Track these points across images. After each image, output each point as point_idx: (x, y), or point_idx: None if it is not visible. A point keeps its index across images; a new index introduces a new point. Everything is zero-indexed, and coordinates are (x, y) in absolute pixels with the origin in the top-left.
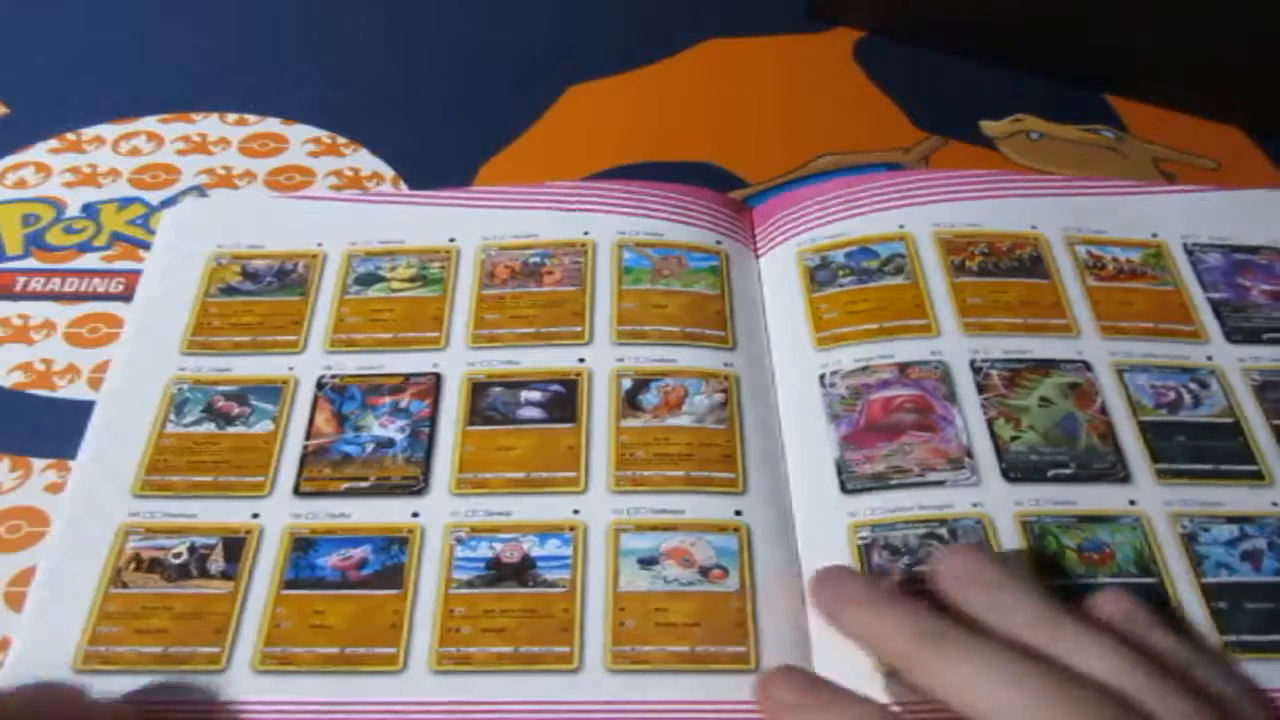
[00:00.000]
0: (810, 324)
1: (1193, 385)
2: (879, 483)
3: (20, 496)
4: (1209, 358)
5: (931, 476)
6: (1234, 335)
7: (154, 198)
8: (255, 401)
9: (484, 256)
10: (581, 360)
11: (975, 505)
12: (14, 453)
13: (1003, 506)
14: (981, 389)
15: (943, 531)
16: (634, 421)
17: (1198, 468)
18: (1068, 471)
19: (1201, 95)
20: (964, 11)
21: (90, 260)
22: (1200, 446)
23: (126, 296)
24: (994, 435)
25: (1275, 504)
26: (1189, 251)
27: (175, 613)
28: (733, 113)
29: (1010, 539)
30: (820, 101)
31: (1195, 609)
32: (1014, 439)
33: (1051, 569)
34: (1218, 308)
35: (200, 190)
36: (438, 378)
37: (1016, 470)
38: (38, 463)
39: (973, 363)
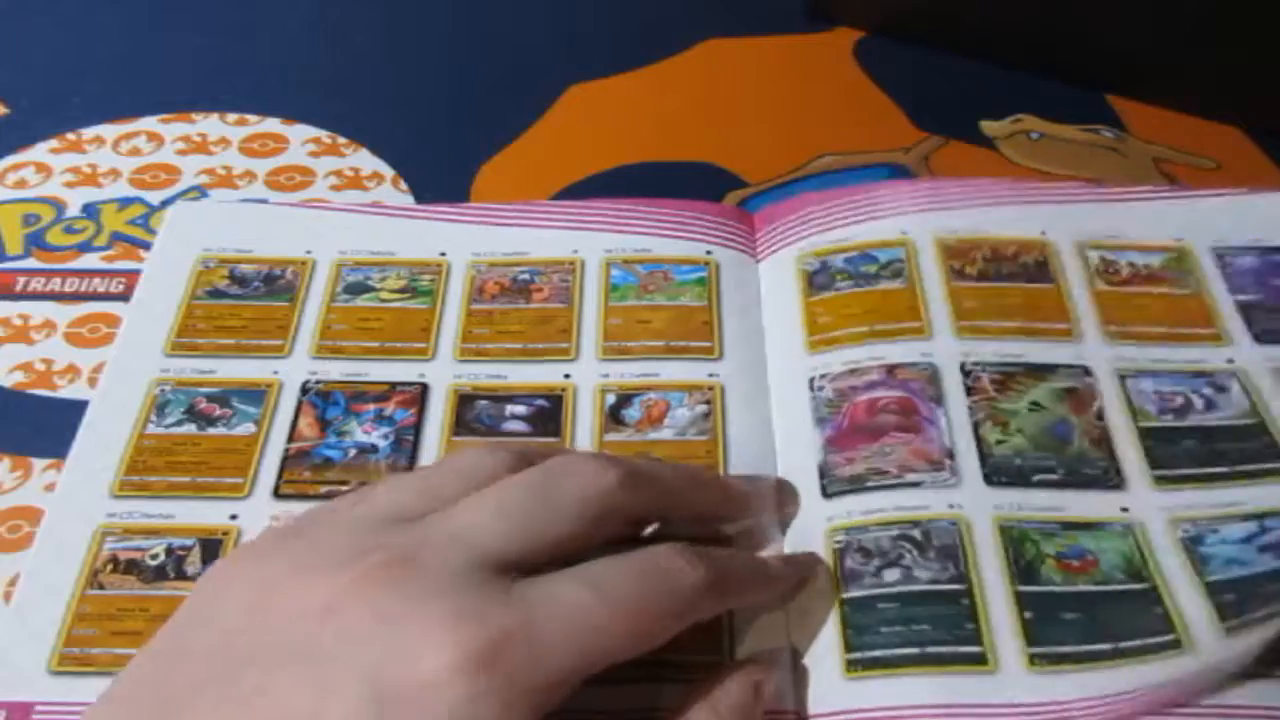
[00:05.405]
0: (804, 328)
1: (1206, 390)
2: (856, 485)
3: (20, 496)
4: (1230, 360)
5: (909, 478)
6: (1264, 336)
7: (154, 198)
8: (237, 404)
9: (474, 272)
10: (567, 376)
11: (951, 507)
12: (14, 453)
13: (981, 509)
14: (970, 391)
15: (916, 533)
16: (617, 436)
17: (1207, 471)
18: (1054, 477)
19: (1201, 95)
20: (964, 11)
21: (90, 260)
22: (1213, 450)
23: (126, 297)
24: (979, 438)
25: None
26: (1218, 255)
27: (151, 615)
28: (733, 113)
29: (986, 542)
30: (820, 101)
31: (1196, 609)
32: (1000, 442)
33: (1027, 576)
34: (1246, 309)
35: (201, 191)
36: (424, 388)
37: (1000, 474)
38: (38, 463)
39: (963, 365)
